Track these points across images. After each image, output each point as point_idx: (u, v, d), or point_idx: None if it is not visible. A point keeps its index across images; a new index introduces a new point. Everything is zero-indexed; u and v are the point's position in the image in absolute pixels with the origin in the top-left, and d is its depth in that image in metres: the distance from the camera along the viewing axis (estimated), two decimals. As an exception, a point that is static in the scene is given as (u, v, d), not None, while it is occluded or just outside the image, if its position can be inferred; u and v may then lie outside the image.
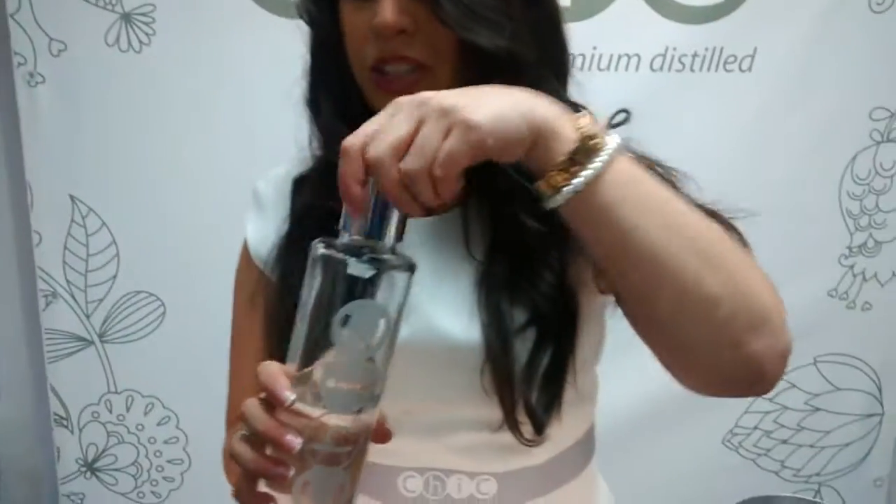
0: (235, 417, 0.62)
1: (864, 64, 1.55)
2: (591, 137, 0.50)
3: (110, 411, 1.72)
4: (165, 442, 1.74)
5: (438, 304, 0.69)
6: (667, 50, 1.53)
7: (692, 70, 1.54)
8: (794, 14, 1.53)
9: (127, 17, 1.52)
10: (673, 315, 0.53)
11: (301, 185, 0.77)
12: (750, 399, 1.71)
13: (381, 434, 0.57)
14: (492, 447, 0.71)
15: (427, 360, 0.68)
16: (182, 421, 1.72)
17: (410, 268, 0.53)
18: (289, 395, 0.50)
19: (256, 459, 0.52)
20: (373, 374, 0.53)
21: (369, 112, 0.68)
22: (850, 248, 1.66)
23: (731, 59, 1.54)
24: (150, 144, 1.58)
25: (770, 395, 1.70)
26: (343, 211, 0.52)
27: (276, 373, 0.52)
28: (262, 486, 0.54)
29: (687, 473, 1.75)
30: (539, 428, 0.68)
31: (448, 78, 0.65)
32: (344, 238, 0.52)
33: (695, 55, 1.53)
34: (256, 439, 0.52)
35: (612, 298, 0.74)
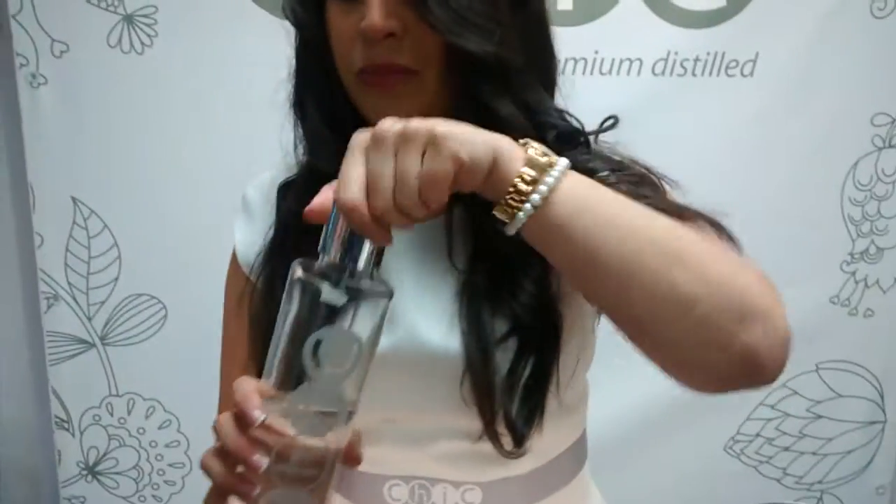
0: None
1: (865, 69, 1.55)
2: (538, 160, 0.51)
3: (111, 414, 1.71)
4: (167, 445, 1.73)
5: (420, 314, 0.68)
6: (669, 54, 1.53)
7: (694, 74, 1.54)
8: (796, 19, 1.53)
9: (129, 19, 1.53)
10: (652, 321, 0.52)
11: (286, 191, 0.77)
12: (752, 406, 1.71)
13: (351, 458, 0.57)
14: (475, 457, 0.71)
15: (409, 369, 0.68)
16: (183, 424, 1.72)
17: (387, 294, 0.53)
18: (258, 415, 0.51)
19: (224, 475, 0.54)
20: (342, 399, 0.53)
21: (355, 114, 0.67)
22: (851, 254, 1.65)
23: (733, 63, 1.54)
24: (152, 146, 1.58)
25: (772, 401, 1.70)
26: (323, 233, 0.52)
27: (249, 391, 0.52)
28: (234, 501, 0.54)
29: (688, 481, 1.74)
30: (519, 440, 0.67)
31: (435, 82, 0.65)
32: (323, 260, 0.52)
33: (696, 60, 1.53)
34: (228, 454, 0.53)
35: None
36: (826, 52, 1.54)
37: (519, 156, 0.51)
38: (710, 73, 1.54)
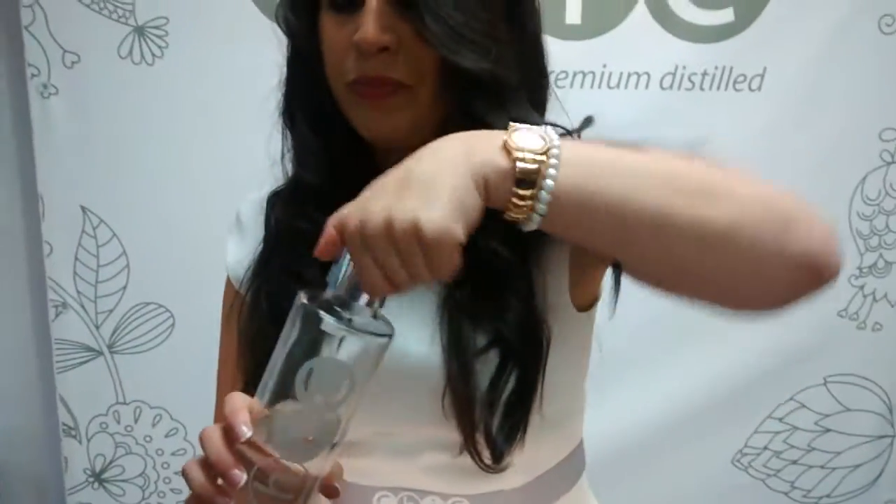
0: None
1: (873, 85, 1.55)
2: (528, 169, 0.49)
3: (118, 422, 1.72)
4: (173, 453, 1.74)
5: (403, 326, 0.68)
6: (677, 69, 1.54)
7: (702, 89, 1.54)
8: (804, 34, 1.53)
9: (140, 30, 1.54)
10: (700, 259, 0.51)
11: (274, 201, 0.77)
12: (759, 419, 1.71)
13: (329, 489, 0.57)
14: (462, 470, 0.70)
15: (392, 382, 0.67)
16: (190, 433, 1.72)
17: (387, 334, 0.53)
18: (245, 431, 0.51)
19: (203, 485, 0.53)
20: (328, 429, 0.53)
21: (345, 126, 0.67)
22: (860, 268, 1.65)
23: (741, 78, 1.54)
24: (161, 156, 1.59)
25: (780, 415, 1.70)
26: (332, 269, 0.52)
27: (239, 406, 0.53)
28: None
29: (695, 493, 1.73)
30: (497, 456, 0.66)
31: (427, 97, 0.65)
32: (328, 293, 0.52)
33: (704, 74, 1.54)
34: (210, 464, 0.53)
35: (594, 313, 0.74)
36: (834, 67, 1.54)
37: (507, 174, 0.49)
38: (718, 88, 1.54)
